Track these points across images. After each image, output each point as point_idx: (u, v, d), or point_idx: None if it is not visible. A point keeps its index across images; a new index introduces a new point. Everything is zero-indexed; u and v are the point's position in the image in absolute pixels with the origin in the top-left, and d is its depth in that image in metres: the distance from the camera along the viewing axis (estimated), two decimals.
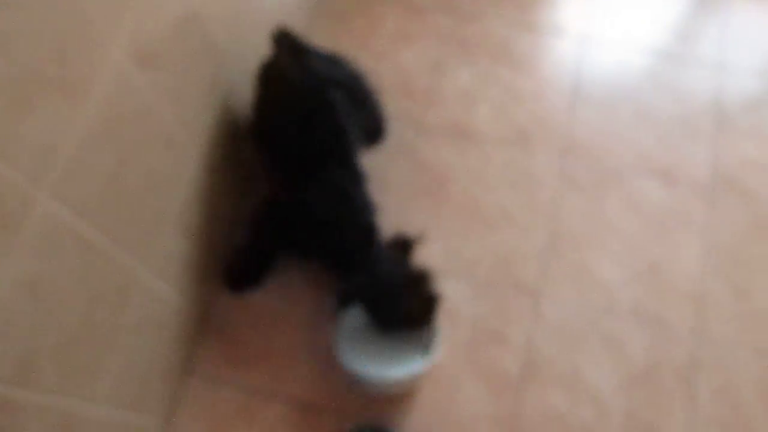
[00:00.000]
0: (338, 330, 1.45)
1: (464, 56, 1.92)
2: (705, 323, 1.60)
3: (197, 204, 1.42)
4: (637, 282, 1.64)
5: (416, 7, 1.99)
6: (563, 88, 1.88)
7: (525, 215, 1.71)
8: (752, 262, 1.66)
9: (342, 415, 1.51)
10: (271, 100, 1.40)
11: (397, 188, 1.74)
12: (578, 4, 2.00)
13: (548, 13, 1.98)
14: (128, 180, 1.12)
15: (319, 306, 1.61)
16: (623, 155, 1.79)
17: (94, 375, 1.14)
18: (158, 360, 1.39)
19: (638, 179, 1.76)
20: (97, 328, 1.11)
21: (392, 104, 1.84)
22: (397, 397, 1.52)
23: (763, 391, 1.54)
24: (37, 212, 0.90)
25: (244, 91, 1.56)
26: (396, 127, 1.81)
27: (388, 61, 1.91)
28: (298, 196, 1.39)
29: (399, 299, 1.37)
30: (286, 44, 1.41)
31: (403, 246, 1.45)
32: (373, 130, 1.68)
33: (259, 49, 1.56)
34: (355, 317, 1.46)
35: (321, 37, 1.93)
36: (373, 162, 1.75)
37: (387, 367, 1.42)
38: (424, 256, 1.66)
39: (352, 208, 1.38)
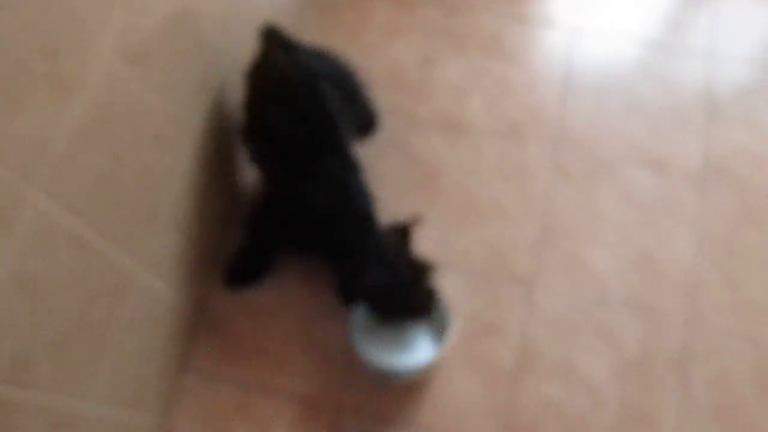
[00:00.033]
0: (353, 321, 1.46)
1: (455, 49, 1.92)
2: (698, 312, 1.61)
3: (190, 200, 1.42)
4: (630, 272, 1.65)
5: (405, 1, 1.99)
6: (554, 80, 1.88)
7: (518, 207, 1.72)
8: (744, 251, 1.67)
9: (339, 409, 1.51)
10: (261, 97, 1.40)
11: (390, 182, 1.74)
12: None
13: (538, 4, 1.98)
14: (120, 177, 1.12)
15: (314, 300, 1.62)
16: (615, 146, 1.79)
17: (90, 373, 1.13)
18: (154, 357, 1.39)
19: (630, 169, 1.76)
20: (91, 326, 1.11)
21: (383, 98, 1.84)
22: (395, 391, 1.53)
23: (756, 380, 1.55)
24: (29, 210, 0.90)
25: (235, 87, 1.56)
26: (387, 121, 1.81)
27: (379, 55, 1.91)
28: (294, 190, 1.39)
29: (402, 291, 1.38)
30: (274, 40, 1.41)
31: (402, 233, 1.47)
32: (365, 124, 1.68)
33: (249, 45, 1.56)
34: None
35: (311, 32, 1.93)
36: (365, 156, 1.75)
37: (402, 357, 1.49)
38: (418, 250, 1.67)
39: (348, 196, 1.39)
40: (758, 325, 1.60)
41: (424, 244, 1.67)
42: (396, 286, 1.38)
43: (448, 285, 1.62)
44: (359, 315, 1.49)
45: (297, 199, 1.39)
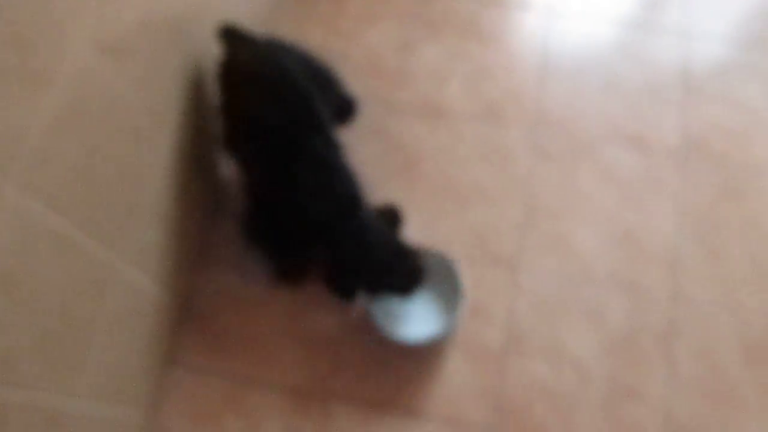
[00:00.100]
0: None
1: (431, 34, 1.92)
2: (681, 287, 1.62)
3: (171, 193, 1.41)
4: (614, 249, 1.66)
5: None
6: (532, 62, 1.88)
7: (499, 190, 1.72)
8: (725, 225, 1.69)
9: (329, 398, 1.52)
10: (235, 97, 1.39)
11: (370, 168, 1.74)
12: None
13: None
14: (98, 171, 1.11)
15: (301, 291, 1.61)
16: (594, 126, 1.80)
17: (76, 369, 1.13)
18: (140, 352, 1.38)
19: (610, 148, 1.77)
20: (75, 322, 1.10)
21: (362, 85, 1.83)
22: (383, 375, 1.53)
23: (741, 351, 1.57)
24: (6, 205, 0.89)
25: (213, 79, 1.54)
26: (367, 108, 1.81)
27: (356, 43, 1.90)
28: (280, 179, 1.38)
29: (376, 269, 1.39)
30: (234, 38, 1.40)
31: (391, 216, 1.48)
32: (343, 110, 1.67)
33: None
34: None
35: (287, 22, 1.92)
36: (345, 143, 1.74)
37: (409, 329, 1.56)
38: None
39: (332, 175, 1.38)
40: (740, 297, 1.61)
41: (406, 230, 1.67)
42: (371, 264, 1.39)
43: None
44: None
45: (284, 187, 1.38)
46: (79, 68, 1.01)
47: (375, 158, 1.75)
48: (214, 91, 1.56)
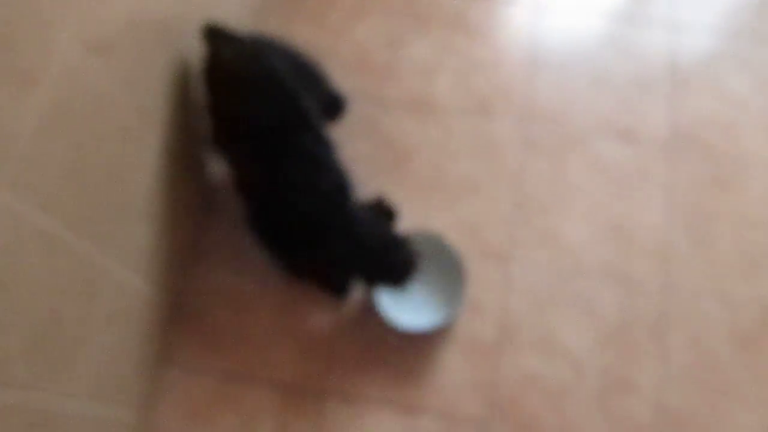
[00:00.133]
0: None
1: (420, 28, 1.92)
2: (672, 277, 1.63)
3: (161, 191, 1.41)
4: (605, 242, 1.67)
5: None
6: (521, 56, 1.88)
7: (490, 184, 1.72)
8: (714, 215, 1.70)
9: (323, 395, 1.52)
10: (221, 95, 1.39)
11: (361, 164, 1.73)
12: None
13: None
14: (87, 170, 1.10)
15: (293, 288, 1.61)
16: (583, 118, 1.80)
17: (67, 369, 1.13)
18: (132, 351, 1.38)
19: (599, 141, 1.78)
20: (66, 322, 1.10)
21: (351, 81, 1.83)
22: (377, 370, 1.53)
23: (732, 341, 1.58)
24: None
25: (200, 79, 1.54)
26: (356, 104, 1.81)
27: (344, 39, 1.90)
28: (271, 177, 1.37)
29: (363, 260, 1.39)
30: (218, 37, 1.39)
31: (385, 211, 1.48)
32: (331, 106, 1.66)
33: None
34: None
35: (275, 19, 1.91)
36: (335, 139, 1.74)
37: (419, 316, 1.57)
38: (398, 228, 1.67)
39: (321, 169, 1.38)
40: (730, 287, 1.62)
41: (398, 225, 1.67)
42: (362, 256, 1.39)
43: None
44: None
45: (273, 184, 1.37)
46: (67, 68, 1.01)
47: (365, 154, 1.75)
48: (201, 90, 1.56)
